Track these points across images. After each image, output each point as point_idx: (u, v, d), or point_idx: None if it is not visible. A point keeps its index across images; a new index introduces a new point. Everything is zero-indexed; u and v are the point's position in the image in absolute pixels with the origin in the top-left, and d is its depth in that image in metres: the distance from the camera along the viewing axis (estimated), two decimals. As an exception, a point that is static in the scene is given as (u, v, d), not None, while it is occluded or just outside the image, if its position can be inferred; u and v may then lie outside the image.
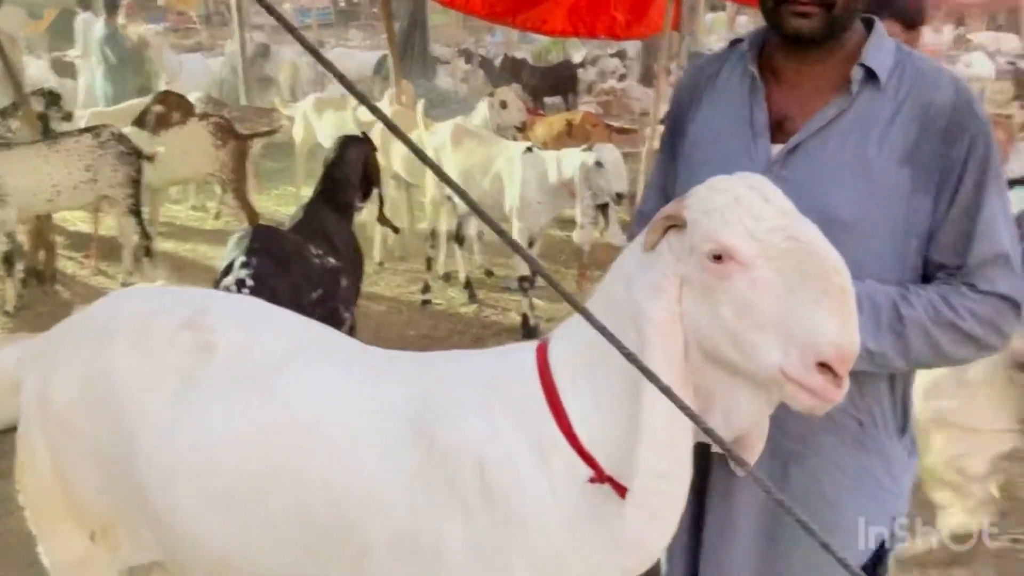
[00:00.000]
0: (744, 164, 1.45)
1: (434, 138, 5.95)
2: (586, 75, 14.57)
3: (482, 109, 6.59)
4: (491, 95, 6.68)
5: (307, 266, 3.49)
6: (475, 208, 1.11)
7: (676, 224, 1.33)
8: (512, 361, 1.56)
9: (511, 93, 6.63)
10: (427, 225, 6.25)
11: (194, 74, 10.99)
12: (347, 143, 4.31)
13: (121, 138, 5.78)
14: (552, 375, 1.48)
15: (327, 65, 1.07)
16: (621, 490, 1.41)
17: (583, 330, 1.46)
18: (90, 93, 10.19)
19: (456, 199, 5.78)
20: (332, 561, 1.59)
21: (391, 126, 1.12)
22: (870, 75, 1.51)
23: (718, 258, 1.26)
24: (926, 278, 1.54)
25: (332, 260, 3.67)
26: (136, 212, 5.87)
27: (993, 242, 1.47)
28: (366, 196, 4.27)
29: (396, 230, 5.29)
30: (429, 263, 6.18)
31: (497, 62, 14.55)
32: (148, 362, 1.72)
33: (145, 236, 5.96)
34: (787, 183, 1.51)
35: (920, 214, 1.49)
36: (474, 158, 5.55)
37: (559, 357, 1.50)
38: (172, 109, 6.64)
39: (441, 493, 1.50)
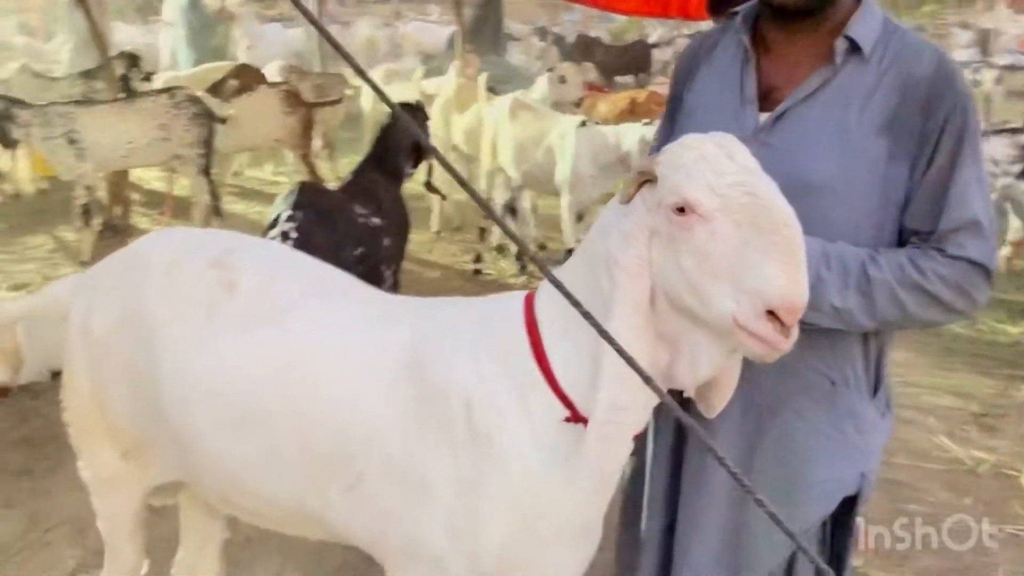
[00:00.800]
0: (732, 131, 1.50)
1: (493, 111, 6.06)
2: (661, 55, 14.44)
3: (542, 84, 6.66)
4: (551, 70, 6.73)
5: (350, 223, 3.63)
6: (454, 174, 1.20)
7: (649, 179, 1.40)
8: (502, 308, 1.65)
9: (571, 69, 6.66)
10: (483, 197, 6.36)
11: (272, 43, 11.30)
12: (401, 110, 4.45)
13: (195, 100, 6.03)
14: (537, 322, 1.58)
15: (328, 37, 1.14)
16: None
17: (567, 281, 1.55)
18: (173, 57, 10.59)
19: (510, 172, 5.88)
20: (330, 486, 1.71)
21: (388, 101, 1.20)
22: (855, 47, 1.55)
23: (682, 211, 1.32)
24: (902, 245, 1.57)
25: (376, 220, 3.81)
26: (207, 172, 6.12)
27: (965, 209, 1.50)
28: (416, 163, 4.40)
29: (443, 196, 5.42)
30: (482, 233, 6.29)
31: (570, 40, 14.53)
32: (177, 295, 1.86)
33: (214, 196, 6.22)
34: (772, 150, 1.57)
35: (897, 182, 1.54)
36: (528, 131, 5.62)
37: (544, 305, 1.59)
38: (247, 82, 6.87)
39: (431, 429, 1.61)
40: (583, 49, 13.43)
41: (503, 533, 1.59)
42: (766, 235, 1.28)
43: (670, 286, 1.37)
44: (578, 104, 6.54)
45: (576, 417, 1.52)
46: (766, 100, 1.62)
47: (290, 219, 3.30)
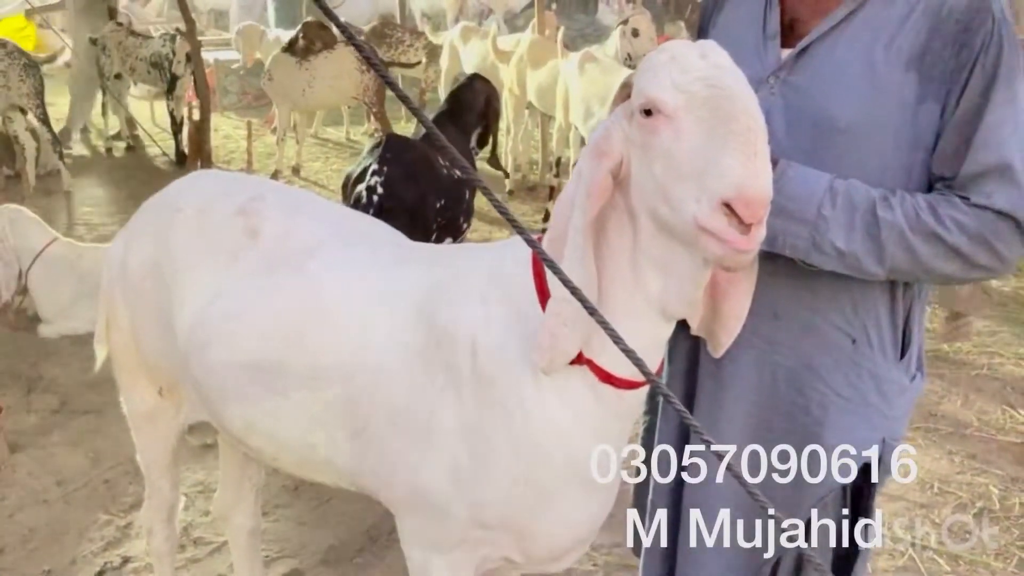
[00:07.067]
0: (753, 68, 1.42)
1: (566, 66, 5.98)
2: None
3: (615, 38, 6.50)
4: (624, 22, 6.53)
5: (434, 176, 3.65)
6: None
7: (630, 91, 1.34)
8: (512, 253, 1.61)
9: (644, 21, 6.42)
10: (553, 155, 6.31)
11: (357, 2, 11.37)
12: (476, 76, 4.64)
13: (23, 52, 6.28)
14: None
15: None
16: (598, 371, 1.46)
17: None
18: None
19: (580, 129, 5.79)
20: (339, 432, 1.73)
21: (385, 78, 1.17)
22: None
23: (649, 113, 1.26)
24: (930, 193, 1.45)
25: (457, 173, 3.83)
26: (47, 121, 6.43)
27: (994, 151, 1.36)
28: (483, 139, 4.49)
29: (507, 174, 5.48)
30: (552, 192, 6.23)
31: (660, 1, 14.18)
32: (203, 240, 1.90)
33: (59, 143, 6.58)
34: (793, 88, 1.48)
35: (927, 123, 1.41)
36: (595, 87, 5.51)
37: (549, 248, 1.54)
38: (314, 39, 6.90)
39: (437, 372, 1.60)
40: (675, 8, 13.10)
41: (507, 480, 1.57)
42: (724, 125, 1.19)
43: (647, 198, 1.31)
44: (652, 59, 6.34)
45: (581, 359, 1.48)
46: (789, 34, 1.52)
47: (375, 173, 3.33)
